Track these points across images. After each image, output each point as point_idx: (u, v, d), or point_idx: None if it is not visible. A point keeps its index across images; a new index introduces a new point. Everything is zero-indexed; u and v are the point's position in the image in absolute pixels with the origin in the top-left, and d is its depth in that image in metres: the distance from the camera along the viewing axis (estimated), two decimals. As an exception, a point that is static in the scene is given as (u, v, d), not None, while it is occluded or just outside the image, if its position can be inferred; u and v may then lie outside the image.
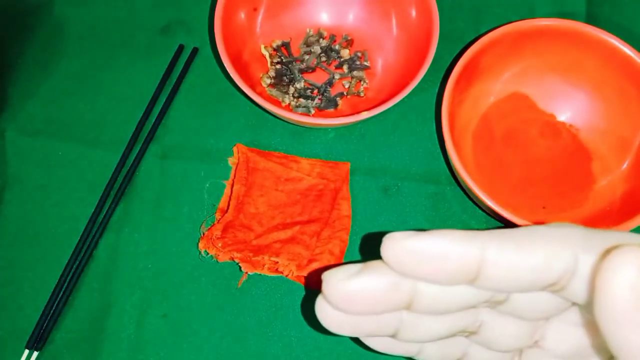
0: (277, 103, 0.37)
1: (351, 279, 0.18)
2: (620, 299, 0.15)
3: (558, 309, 0.20)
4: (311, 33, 0.39)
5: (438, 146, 0.37)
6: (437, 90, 0.38)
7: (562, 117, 0.37)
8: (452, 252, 0.17)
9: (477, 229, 0.35)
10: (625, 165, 0.34)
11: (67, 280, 0.33)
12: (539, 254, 0.17)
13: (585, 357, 0.21)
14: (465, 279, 0.18)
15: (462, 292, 0.19)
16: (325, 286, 0.18)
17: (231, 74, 0.32)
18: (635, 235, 0.18)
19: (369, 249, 0.34)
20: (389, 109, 0.32)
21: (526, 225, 0.18)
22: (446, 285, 0.18)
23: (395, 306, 0.19)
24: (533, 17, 0.34)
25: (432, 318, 0.20)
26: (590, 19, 0.40)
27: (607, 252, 0.16)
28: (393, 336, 0.20)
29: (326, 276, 0.18)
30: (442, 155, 0.36)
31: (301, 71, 0.38)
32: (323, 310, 0.19)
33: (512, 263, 0.17)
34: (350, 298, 0.18)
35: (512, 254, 0.17)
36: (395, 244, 0.18)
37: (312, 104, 0.37)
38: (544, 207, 0.35)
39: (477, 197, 0.30)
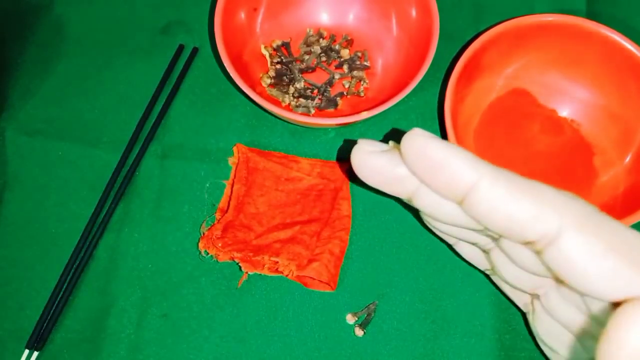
0: (277, 103, 0.37)
1: (371, 155, 0.21)
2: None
3: (545, 274, 0.21)
4: (311, 33, 0.39)
5: (438, 146, 0.37)
6: (437, 90, 0.38)
7: (564, 112, 0.37)
8: (450, 166, 0.18)
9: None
10: (627, 159, 0.34)
11: (67, 280, 0.33)
12: (524, 208, 0.18)
13: (581, 336, 0.22)
14: (453, 196, 0.19)
15: (453, 209, 0.20)
16: (354, 149, 0.21)
17: (231, 74, 0.32)
18: (633, 231, 0.18)
19: (370, 248, 0.34)
20: (389, 109, 0.32)
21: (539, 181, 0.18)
22: (438, 194, 0.20)
23: (398, 193, 0.21)
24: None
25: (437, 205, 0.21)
26: (590, 16, 0.40)
27: (618, 303, 0.16)
28: (409, 200, 0.22)
29: (359, 142, 0.21)
30: (442, 155, 0.36)
31: (301, 71, 0.38)
32: (357, 161, 0.21)
33: (496, 202, 0.18)
34: (367, 170, 0.21)
35: (499, 195, 0.18)
36: (412, 137, 0.19)
37: (312, 104, 0.37)
38: None
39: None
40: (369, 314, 0.32)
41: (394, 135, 0.37)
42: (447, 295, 0.33)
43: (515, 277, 0.24)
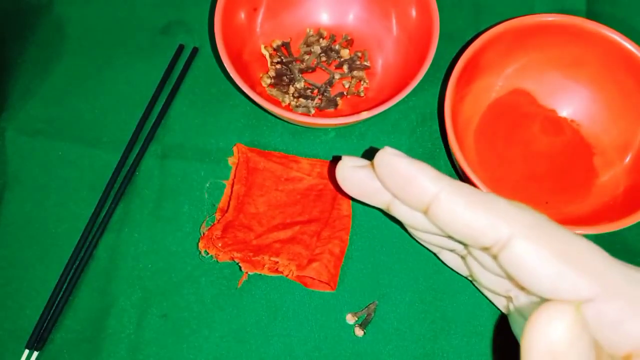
0: (277, 103, 0.37)
1: (352, 170, 0.24)
2: None
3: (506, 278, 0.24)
4: (311, 33, 0.39)
5: (438, 146, 0.37)
6: (437, 90, 0.38)
7: (564, 112, 0.37)
8: (415, 181, 0.21)
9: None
10: (627, 159, 0.34)
11: (67, 280, 0.33)
12: (480, 218, 0.20)
13: None
14: (418, 206, 0.22)
15: (423, 220, 0.23)
16: (338, 164, 0.25)
17: (231, 74, 0.32)
18: (580, 239, 0.20)
19: (370, 248, 0.34)
20: (389, 109, 0.32)
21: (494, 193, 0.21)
22: (407, 205, 0.23)
23: (376, 203, 0.24)
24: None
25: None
26: (590, 16, 0.40)
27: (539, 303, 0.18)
28: (387, 210, 0.25)
29: (343, 158, 0.25)
30: (442, 155, 0.36)
31: (301, 71, 0.38)
32: (340, 175, 0.25)
33: (454, 212, 0.21)
34: (349, 182, 0.24)
35: (457, 206, 0.20)
36: (382, 155, 0.22)
37: (312, 104, 0.37)
38: (546, 202, 0.35)
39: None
40: (369, 314, 0.32)
41: (372, 153, 0.37)
42: (447, 295, 0.33)
43: (489, 281, 0.26)
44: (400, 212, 0.24)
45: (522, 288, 0.23)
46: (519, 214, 0.20)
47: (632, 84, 0.33)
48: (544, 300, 0.22)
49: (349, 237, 0.33)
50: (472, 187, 0.21)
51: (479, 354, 0.31)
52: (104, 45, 0.39)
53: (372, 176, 0.23)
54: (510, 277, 0.21)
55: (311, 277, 0.32)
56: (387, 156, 0.22)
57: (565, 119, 0.37)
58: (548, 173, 0.36)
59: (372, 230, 0.34)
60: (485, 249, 0.21)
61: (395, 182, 0.22)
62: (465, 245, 0.25)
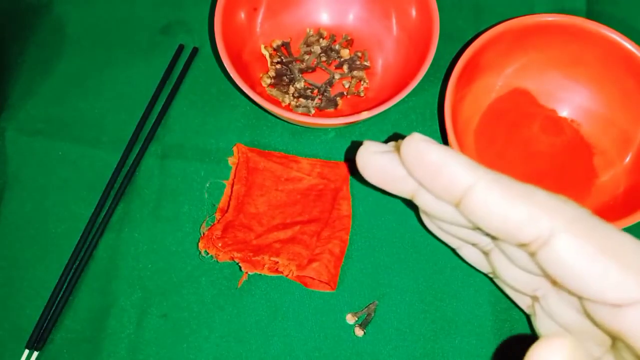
0: (277, 103, 0.37)
1: (375, 155, 0.22)
2: None
3: (542, 276, 0.22)
4: (311, 33, 0.39)
5: (438, 146, 0.37)
6: (437, 90, 0.38)
7: (564, 112, 0.37)
8: (447, 170, 0.19)
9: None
10: (627, 159, 0.34)
11: (67, 280, 0.33)
12: (518, 211, 0.18)
13: (580, 337, 0.22)
14: (450, 198, 0.20)
15: (452, 211, 0.21)
16: (359, 149, 0.22)
17: (231, 74, 0.32)
18: (625, 235, 0.18)
19: (369, 248, 0.34)
20: (389, 109, 0.32)
21: (533, 185, 0.19)
22: (437, 197, 0.20)
23: (400, 192, 0.22)
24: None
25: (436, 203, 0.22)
26: (590, 16, 0.40)
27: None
28: (412, 199, 0.22)
29: (364, 143, 0.22)
30: (442, 155, 0.36)
31: (301, 71, 0.38)
32: (360, 161, 0.22)
33: (490, 205, 0.19)
34: (370, 169, 0.22)
35: (494, 198, 0.18)
36: (410, 141, 0.20)
37: (312, 104, 0.37)
38: None
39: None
40: (369, 314, 0.32)
41: (397, 138, 0.37)
42: (447, 295, 0.33)
43: (515, 279, 0.24)
44: (426, 202, 0.22)
45: (555, 283, 0.22)
46: (561, 207, 0.18)
47: (632, 84, 0.33)
48: (579, 299, 0.20)
49: (349, 237, 0.33)
50: (509, 177, 0.19)
51: (479, 354, 0.31)
52: (104, 45, 0.39)
53: (397, 162, 0.21)
54: (548, 276, 0.20)
55: (311, 277, 0.32)
56: (416, 142, 0.20)
57: (565, 119, 0.37)
58: (548, 173, 0.36)
59: (372, 230, 0.34)
60: (523, 246, 0.19)
61: (424, 171, 0.20)
62: (494, 239, 0.24)
